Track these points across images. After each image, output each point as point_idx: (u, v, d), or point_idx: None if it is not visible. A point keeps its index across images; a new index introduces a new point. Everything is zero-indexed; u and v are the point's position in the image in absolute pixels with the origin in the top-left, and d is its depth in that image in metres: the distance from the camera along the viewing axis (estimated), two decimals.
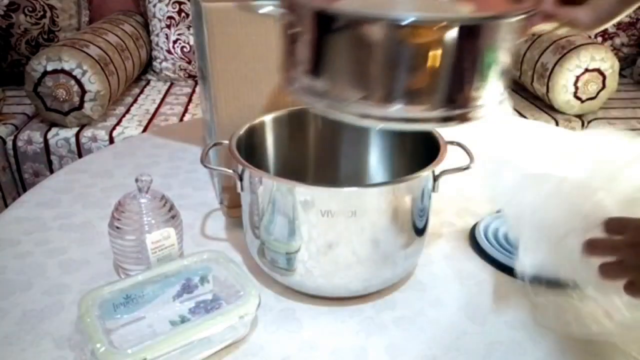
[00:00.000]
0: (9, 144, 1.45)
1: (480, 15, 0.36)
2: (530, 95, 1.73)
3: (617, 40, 1.94)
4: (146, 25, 1.88)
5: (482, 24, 0.35)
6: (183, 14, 1.80)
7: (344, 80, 0.36)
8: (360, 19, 0.34)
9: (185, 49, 1.83)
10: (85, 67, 1.44)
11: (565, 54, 1.52)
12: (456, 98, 0.36)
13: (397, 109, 0.36)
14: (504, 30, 0.36)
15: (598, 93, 1.54)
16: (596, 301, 0.43)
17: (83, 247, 0.57)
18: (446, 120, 0.37)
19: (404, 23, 0.33)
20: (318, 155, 0.60)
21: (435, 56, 0.34)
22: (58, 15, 1.80)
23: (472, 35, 0.35)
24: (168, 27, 1.81)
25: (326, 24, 0.36)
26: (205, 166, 0.50)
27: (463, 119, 0.37)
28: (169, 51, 1.83)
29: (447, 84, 0.36)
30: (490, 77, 0.37)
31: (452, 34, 0.34)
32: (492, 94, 0.38)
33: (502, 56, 0.37)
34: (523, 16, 0.37)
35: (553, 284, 0.46)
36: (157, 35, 1.83)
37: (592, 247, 0.36)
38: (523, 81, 1.73)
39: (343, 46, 0.36)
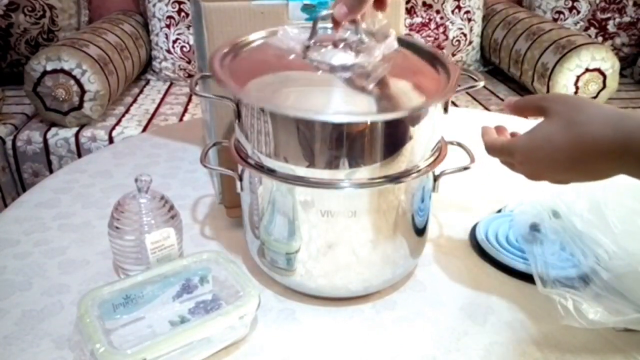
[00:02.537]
0: (9, 144, 1.45)
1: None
2: (530, 95, 1.73)
3: (618, 40, 1.94)
4: (146, 25, 1.88)
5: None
6: (183, 14, 1.80)
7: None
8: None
9: (185, 49, 1.83)
10: (84, 67, 1.44)
11: (565, 54, 1.52)
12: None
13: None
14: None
15: (599, 93, 1.54)
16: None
17: (82, 247, 0.57)
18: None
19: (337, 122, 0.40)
20: None
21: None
22: (57, 15, 1.80)
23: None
24: (168, 26, 1.81)
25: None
26: (205, 166, 0.50)
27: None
28: (168, 51, 1.83)
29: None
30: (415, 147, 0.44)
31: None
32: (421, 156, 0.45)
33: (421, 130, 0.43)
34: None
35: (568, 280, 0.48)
36: (157, 35, 1.83)
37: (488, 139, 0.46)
38: (523, 81, 1.73)
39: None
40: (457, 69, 0.47)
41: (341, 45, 0.46)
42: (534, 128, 0.41)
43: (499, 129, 0.48)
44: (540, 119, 0.42)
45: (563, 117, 0.39)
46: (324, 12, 0.45)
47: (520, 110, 0.45)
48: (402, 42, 0.50)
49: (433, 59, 0.50)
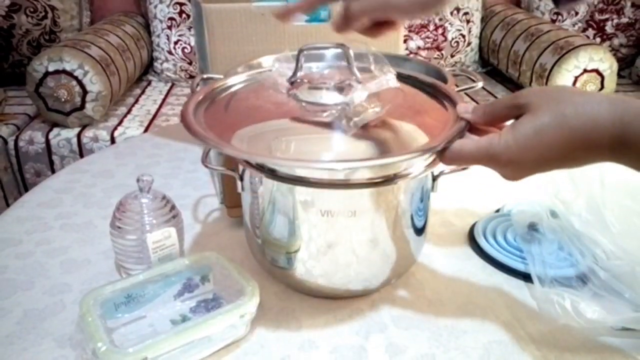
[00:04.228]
0: (11, 144, 1.46)
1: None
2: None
3: (616, 41, 1.94)
4: (147, 26, 1.89)
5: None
6: (184, 15, 1.81)
7: None
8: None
9: (186, 50, 1.83)
10: (86, 68, 1.44)
11: (564, 55, 1.52)
12: None
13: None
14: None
15: None
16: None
17: (84, 247, 0.58)
18: None
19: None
20: None
21: None
22: (59, 16, 1.81)
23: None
24: (169, 28, 1.82)
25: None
26: (205, 166, 0.50)
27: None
28: (169, 52, 1.84)
29: None
30: None
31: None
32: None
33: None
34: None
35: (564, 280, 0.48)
36: (158, 36, 1.84)
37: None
38: (521, 82, 1.73)
39: None
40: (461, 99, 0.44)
41: (332, 82, 0.42)
42: (517, 125, 0.36)
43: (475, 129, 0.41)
44: None
45: (550, 110, 0.35)
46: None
47: (492, 118, 0.39)
48: (401, 76, 0.47)
49: (435, 91, 0.48)
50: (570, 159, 0.36)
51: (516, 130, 0.36)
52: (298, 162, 0.41)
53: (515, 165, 0.37)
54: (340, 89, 0.43)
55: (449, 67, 1.94)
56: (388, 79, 0.44)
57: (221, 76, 0.51)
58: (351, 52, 0.43)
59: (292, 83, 0.45)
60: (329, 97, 0.43)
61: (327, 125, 0.43)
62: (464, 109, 0.42)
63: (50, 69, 1.42)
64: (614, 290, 0.47)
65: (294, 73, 0.44)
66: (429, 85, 0.50)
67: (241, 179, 0.48)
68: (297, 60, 0.44)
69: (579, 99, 0.35)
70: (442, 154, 0.40)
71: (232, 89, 0.50)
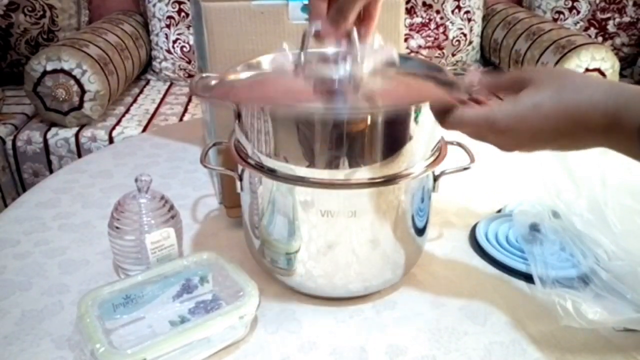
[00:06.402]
0: (9, 144, 1.45)
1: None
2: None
3: (618, 40, 1.94)
4: (146, 25, 1.88)
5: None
6: (183, 14, 1.80)
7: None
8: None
9: (185, 49, 1.83)
10: (84, 67, 1.44)
11: (565, 54, 1.52)
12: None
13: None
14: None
15: None
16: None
17: (82, 247, 0.57)
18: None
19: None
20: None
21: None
22: (58, 15, 1.80)
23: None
24: (168, 26, 1.81)
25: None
26: (205, 166, 0.50)
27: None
28: (168, 51, 1.83)
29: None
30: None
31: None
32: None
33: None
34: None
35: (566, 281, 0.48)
36: (157, 35, 1.83)
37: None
38: None
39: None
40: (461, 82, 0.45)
41: (337, 57, 0.44)
42: (518, 97, 0.37)
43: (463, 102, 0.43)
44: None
45: (551, 85, 0.36)
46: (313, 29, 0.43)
47: (496, 87, 0.41)
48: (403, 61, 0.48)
49: (437, 80, 0.48)
50: (565, 135, 0.36)
51: (517, 101, 0.37)
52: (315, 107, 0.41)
53: (511, 133, 0.38)
54: (346, 62, 0.44)
55: (450, 66, 1.93)
56: (391, 50, 0.45)
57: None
58: (354, 31, 0.44)
59: (296, 65, 0.45)
60: (335, 70, 0.44)
61: (334, 98, 0.43)
62: (472, 75, 0.43)
63: (49, 68, 1.41)
64: (615, 291, 0.47)
65: (300, 52, 0.45)
66: (430, 77, 0.50)
67: (240, 178, 0.48)
68: (303, 40, 0.45)
69: (580, 79, 0.37)
70: (444, 120, 0.41)
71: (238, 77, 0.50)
